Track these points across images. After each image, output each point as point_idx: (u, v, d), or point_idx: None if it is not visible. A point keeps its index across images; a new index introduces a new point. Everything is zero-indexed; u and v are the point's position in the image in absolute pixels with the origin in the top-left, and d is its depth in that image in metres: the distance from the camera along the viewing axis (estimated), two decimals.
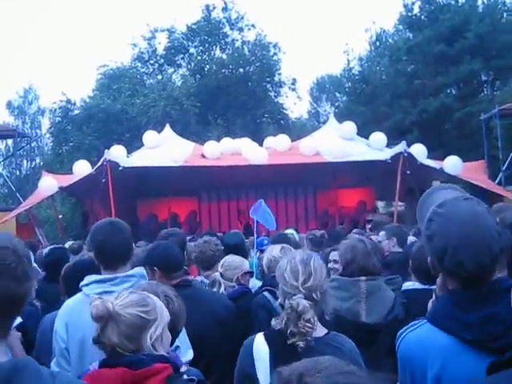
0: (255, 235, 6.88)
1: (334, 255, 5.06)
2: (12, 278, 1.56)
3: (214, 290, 4.48)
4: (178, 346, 3.06)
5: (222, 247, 5.14)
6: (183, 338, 3.20)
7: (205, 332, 3.71)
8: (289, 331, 2.68)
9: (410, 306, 3.85)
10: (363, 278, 3.85)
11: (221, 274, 4.61)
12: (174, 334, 2.71)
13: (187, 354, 3.22)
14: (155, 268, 3.86)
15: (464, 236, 1.95)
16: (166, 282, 3.72)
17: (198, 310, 3.56)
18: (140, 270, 3.36)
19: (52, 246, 7.72)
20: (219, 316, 3.85)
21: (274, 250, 4.61)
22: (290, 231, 9.60)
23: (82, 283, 3.28)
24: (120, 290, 2.86)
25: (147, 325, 2.31)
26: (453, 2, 26.44)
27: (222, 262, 4.73)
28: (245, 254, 5.62)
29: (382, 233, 6.66)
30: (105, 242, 3.32)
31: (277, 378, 1.35)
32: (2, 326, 1.61)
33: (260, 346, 2.78)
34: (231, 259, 4.73)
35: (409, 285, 4.20)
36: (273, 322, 2.83)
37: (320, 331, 2.80)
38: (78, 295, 3.29)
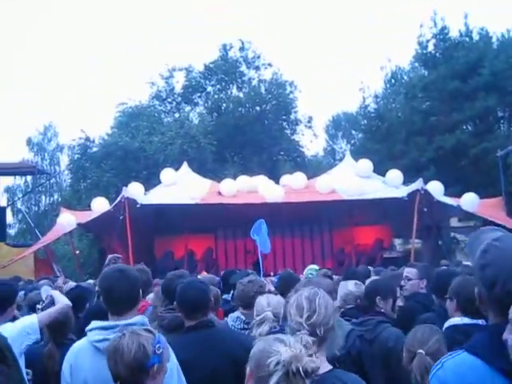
0: (262, 273, 6.88)
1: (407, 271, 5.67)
2: None
3: (263, 328, 4.39)
4: None
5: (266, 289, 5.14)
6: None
7: (218, 373, 3.67)
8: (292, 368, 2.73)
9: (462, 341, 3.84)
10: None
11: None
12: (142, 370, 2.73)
13: None
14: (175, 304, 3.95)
15: None
16: (187, 321, 3.86)
17: (212, 351, 3.58)
18: (141, 318, 3.38)
19: (73, 285, 7.73)
20: (235, 356, 3.83)
21: (348, 285, 5.32)
22: (312, 267, 9.53)
23: (87, 328, 3.36)
24: None
25: None
26: (467, 40, 26.56)
27: (265, 300, 4.68)
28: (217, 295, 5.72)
29: (413, 270, 6.49)
30: (111, 289, 3.38)
31: None
32: None
33: None
34: (277, 299, 4.69)
35: (457, 320, 4.16)
36: None
37: (323, 368, 2.79)
38: (83, 340, 3.37)
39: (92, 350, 3.22)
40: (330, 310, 2.95)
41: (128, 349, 2.69)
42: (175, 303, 3.97)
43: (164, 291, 4.62)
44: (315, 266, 9.68)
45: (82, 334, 3.85)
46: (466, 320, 4.06)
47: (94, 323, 3.36)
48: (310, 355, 2.71)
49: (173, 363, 3.23)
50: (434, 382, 2.13)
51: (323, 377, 2.76)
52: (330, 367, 2.88)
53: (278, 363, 2.14)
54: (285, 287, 6.18)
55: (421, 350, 3.05)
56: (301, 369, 2.13)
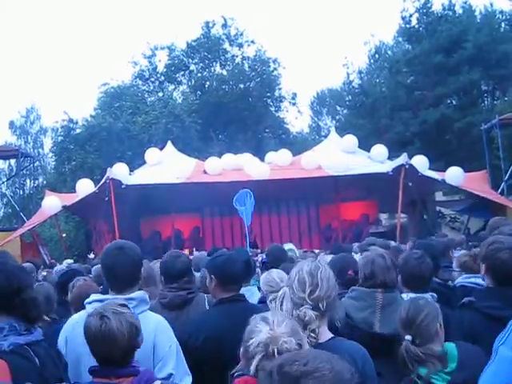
0: (248, 246, 6.88)
1: None
2: None
3: (285, 304, 4.37)
4: (171, 374, 3.10)
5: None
6: (181, 366, 3.24)
7: None
8: None
9: None
10: (380, 289, 3.89)
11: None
12: (129, 351, 2.72)
13: (184, 381, 3.23)
14: (212, 276, 3.92)
15: None
16: (221, 293, 3.87)
17: (243, 324, 3.61)
18: (141, 293, 3.39)
19: (65, 268, 7.65)
20: None
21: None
22: (288, 246, 9.56)
23: (86, 300, 3.35)
24: None
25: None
26: (450, 13, 26.53)
27: (277, 276, 4.65)
28: (252, 270, 5.66)
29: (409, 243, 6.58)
30: (113, 266, 3.39)
31: (261, 372, 1.46)
32: None
33: None
34: (285, 275, 4.65)
35: (405, 297, 4.19)
36: None
37: (324, 337, 2.88)
38: (82, 312, 3.36)
39: None
40: (331, 284, 2.98)
41: (121, 333, 2.65)
42: (212, 275, 3.93)
43: (163, 271, 4.60)
44: (292, 246, 9.73)
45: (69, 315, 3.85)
46: (412, 295, 4.11)
47: (94, 296, 3.37)
48: (313, 330, 2.76)
49: (170, 341, 3.25)
50: None
51: (325, 344, 2.85)
52: (332, 335, 2.94)
53: (258, 345, 2.18)
54: (275, 261, 6.22)
55: (408, 337, 3.06)
56: (276, 351, 2.14)
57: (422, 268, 4.28)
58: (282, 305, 4.30)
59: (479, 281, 4.29)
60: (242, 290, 4.93)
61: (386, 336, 3.72)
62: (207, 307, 4.41)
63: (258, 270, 6.60)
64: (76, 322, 3.29)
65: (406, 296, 4.10)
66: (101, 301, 3.21)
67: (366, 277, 4.04)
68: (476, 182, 15.75)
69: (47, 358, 2.77)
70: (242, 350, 2.29)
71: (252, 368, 2.12)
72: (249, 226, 7.70)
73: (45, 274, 9.14)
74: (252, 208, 7.25)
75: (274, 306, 4.33)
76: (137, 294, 3.35)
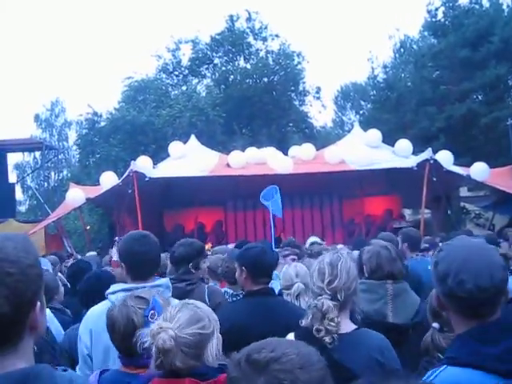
0: (273, 243, 6.86)
1: None
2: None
3: (302, 300, 4.34)
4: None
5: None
6: None
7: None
8: (314, 328, 2.84)
9: None
10: (389, 281, 3.99)
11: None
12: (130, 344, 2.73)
13: None
14: (243, 268, 3.92)
15: (467, 260, 2.02)
16: (251, 285, 3.89)
17: (270, 318, 3.60)
18: (166, 280, 3.43)
19: (75, 259, 7.76)
20: (289, 325, 3.76)
21: None
22: (312, 239, 9.56)
23: (107, 291, 3.35)
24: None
25: (208, 339, 2.34)
26: (477, 7, 26.23)
27: (293, 270, 4.58)
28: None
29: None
30: (136, 255, 3.39)
31: (229, 361, 1.50)
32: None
33: None
34: (304, 269, 4.60)
35: None
36: (302, 322, 2.98)
37: (348, 327, 2.94)
38: (104, 302, 3.36)
39: None
40: (351, 275, 3.02)
41: (118, 323, 2.72)
42: (243, 267, 3.93)
43: (176, 260, 4.59)
44: (316, 238, 9.72)
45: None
46: None
47: (116, 286, 3.39)
48: (332, 319, 2.78)
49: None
50: None
51: (352, 334, 2.93)
52: (355, 326, 2.99)
53: (147, 344, 2.28)
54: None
55: (435, 324, 3.03)
56: (156, 347, 2.25)
57: None
58: (297, 300, 4.32)
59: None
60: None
61: (400, 326, 3.80)
62: (207, 299, 4.39)
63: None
64: (100, 314, 3.26)
65: None
66: (127, 290, 3.21)
67: (372, 270, 4.09)
68: (501, 178, 15.54)
69: (44, 345, 2.80)
70: None
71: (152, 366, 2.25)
72: (277, 217, 7.73)
73: (67, 266, 9.22)
74: (279, 201, 7.24)
75: (289, 300, 4.35)
76: (162, 280, 3.42)
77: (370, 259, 4.14)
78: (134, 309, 2.73)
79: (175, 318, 2.31)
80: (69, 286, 6.12)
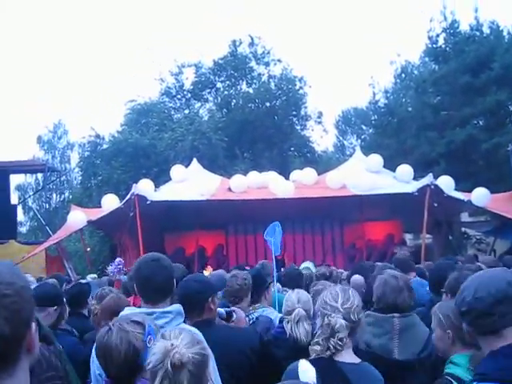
0: (274, 269, 6.83)
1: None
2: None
3: (300, 328, 4.28)
4: None
5: (251, 281, 4.97)
6: (217, 379, 3.22)
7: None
8: (319, 344, 2.88)
9: None
10: (397, 314, 3.86)
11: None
12: (134, 368, 2.70)
13: None
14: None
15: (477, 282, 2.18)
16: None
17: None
18: (178, 306, 3.39)
19: (74, 282, 7.76)
20: (231, 359, 3.61)
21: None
22: (306, 265, 9.67)
23: (121, 313, 3.34)
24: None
25: (208, 361, 2.31)
26: (478, 34, 26.39)
27: (295, 296, 4.45)
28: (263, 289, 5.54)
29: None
30: (149, 278, 3.37)
31: None
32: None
33: (306, 367, 2.87)
34: (306, 295, 4.57)
35: None
36: (311, 347, 2.98)
37: (352, 358, 2.94)
38: None
39: None
40: (359, 304, 3.05)
41: (117, 349, 2.63)
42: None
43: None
44: (308, 264, 9.83)
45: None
46: None
47: (128, 309, 3.39)
48: (341, 338, 2.79)
49: None
50: None
51: (360, 365, 2.92)
52: (359, 360, 2.96)
53: (156, 362, 2.18)
54: (290, 283, 6.21)
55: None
56: (169, 362, 2.15)
57: None
58: (297, 325, 4.28)
59: None
60: (256, 313, 4.94)
61: (405, 362, 3.70)
62: None
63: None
64: None
65: None
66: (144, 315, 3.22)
67: (379, 298, 4.04)
68: (502, 203, 15.56)
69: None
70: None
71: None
72: (277, 255, 7.70)
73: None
74: (280, 238, 7.26)
75: (289, 326, 4.32)
76: (173, 307, 3.36)
77: (377, 287, 4.10)
78: (133, 334, 2.67)
79: (179, 339, 2.26)
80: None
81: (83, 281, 9.95)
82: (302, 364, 2.89)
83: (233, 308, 4.29)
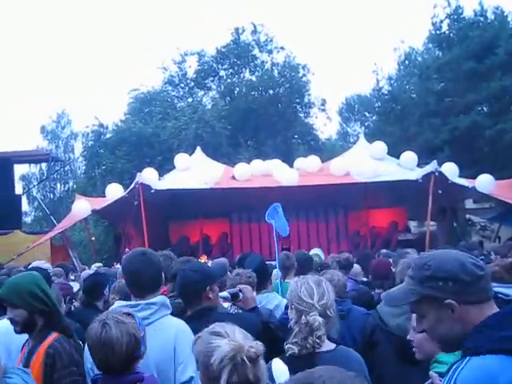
0: (277, 255, 6.76)
1: None
2: None
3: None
4: (192, 377, 3.13)
5: (255, 279, 4.90)
6: None
7: None
8: (298, 344, 2.88)
9: None
10: None
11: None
12: (133, 359, 2.73)
13: None
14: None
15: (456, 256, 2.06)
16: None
17: None
18: (162, 298, 3.44)
19: (92, 271, 7.74)
20: None
21: None
22: (315, 251, 9.64)
23: (111, 308, 3.39)
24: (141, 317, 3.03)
25: None
26: (482, 19, 26.24)
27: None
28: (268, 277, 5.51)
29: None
30: (137, 273, 3.43)
31: None
32: None
33: (279, 366, 2.90)
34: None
35: None
36: (286, 345, 2.97)
37: (330, 346, 2.96)
38: None
39: None
40: (332, 296, 3.10)
41: (119, 342, 2.65)
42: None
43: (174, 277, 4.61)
44: (318, 251, 9.80)
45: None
46: None
47: (118, 303, 3.45)
48: (319, 336, 2.80)
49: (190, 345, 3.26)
50: None
51: (337, 351, 2.95)
52: (335, 345, 2.99)
53: (222, 360, 2.07)
54: (301, 269, 6.19)
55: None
56: (245, 358, 2.07)
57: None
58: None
59: (509, 291, 4.24)
60: (259, 297, 4.91)
61: None
62: None
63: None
64: None
65: None
66: (133, 307, 3.25)
67: (402, 281, 4.05)
68: (506, 190, 15.53)
69: None
70: (201, 371, 2.17)
71: (222, 382, 2.03)
72: (282, 236, 7.65)
73: (73, 277, 9.24)
74: (282, 221, 7.18)
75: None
76: (158, 298, 3.40)
77: (401, 271, 4.13)
78: (132, 325, 2.71)
79: (236, 333, 2.20)
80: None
81: (87, 271, 9.88)
82: (275, 363, 2.93)
83: (239, 287, 4.26)
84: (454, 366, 1.90)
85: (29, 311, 3.23)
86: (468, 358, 1.88)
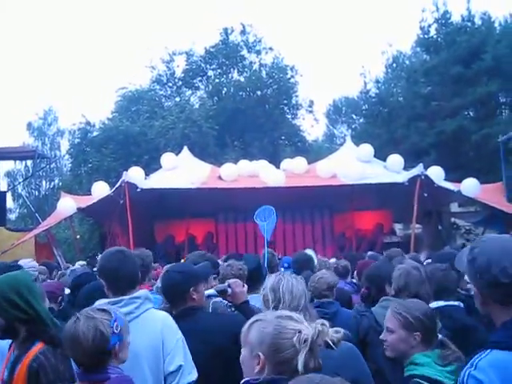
0: (266, 256, 6.75)
1: None
2: None
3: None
4: (181, 365, 3.19)
5: (246, 271, 4.99)
6: (188, 358, 3.31)
7: (201, 362, 3.46)
8: None
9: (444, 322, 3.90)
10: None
11: None
12: (103, 353, 2.74)
13: (191, 374, 3.29)
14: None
15: (505, 249, 2.11)
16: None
17: (194, 340, 3.50)
18: (145, 292, 3.49)
19: (80, 271, 7.67)
20: (219, 345, 3.60)
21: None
22: (308, 252, 9.61)
23: (93, 306, 3.38)
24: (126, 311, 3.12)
25: None
26: (469, 24, 26.39)
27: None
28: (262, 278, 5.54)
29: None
30: (114, 270, 3.46)
31: None
32: None
33: None
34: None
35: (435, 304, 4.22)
36: None
37: None
38: None
39: None
40: (296, 294, 3.07)
41: (85, 337, 2.66)
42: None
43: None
44: (310, 251, 9.77)
45: None
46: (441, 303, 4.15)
47: (100, 301, 3.41)
48: None
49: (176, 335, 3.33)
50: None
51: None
52: None
53: (305, 341, 2.08)
54: (300, 269, 6.22)
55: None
56: (329, 341, 2.14)
57: (449, 279, 4.36)
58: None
59: None
60: (253, 297, 4.90)
61: None
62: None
63: None
64: None
65: (436, 304, 4.15)
66: (113, 304, 3.26)
67: (400, 288, 4.09)
68: (491, 194, 15.65)
69: None
70: (265, 355, 2.11)
71: (300, 365, 2.03)
72: (268, 240, 7.60)
73: (58, 275, 9.18)
74: (274, 225, 7.17)
75: None
76: (141, 292, 3.46)
77: (399, 277, 4.17)
78: (100, 320, 2.72)
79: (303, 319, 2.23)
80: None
81: (72, 268, 9.83)
82: None
83: (228, 282, 4.27)
84: (478, 354, 2.07)
85: (5, 318, 3.15)
86: (490, 350, 2.05)
